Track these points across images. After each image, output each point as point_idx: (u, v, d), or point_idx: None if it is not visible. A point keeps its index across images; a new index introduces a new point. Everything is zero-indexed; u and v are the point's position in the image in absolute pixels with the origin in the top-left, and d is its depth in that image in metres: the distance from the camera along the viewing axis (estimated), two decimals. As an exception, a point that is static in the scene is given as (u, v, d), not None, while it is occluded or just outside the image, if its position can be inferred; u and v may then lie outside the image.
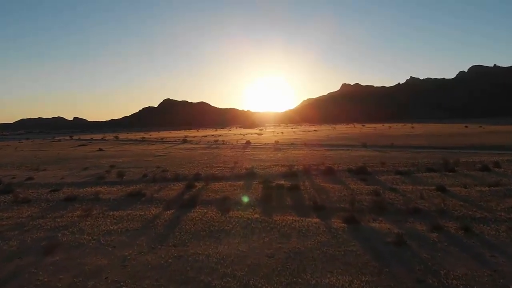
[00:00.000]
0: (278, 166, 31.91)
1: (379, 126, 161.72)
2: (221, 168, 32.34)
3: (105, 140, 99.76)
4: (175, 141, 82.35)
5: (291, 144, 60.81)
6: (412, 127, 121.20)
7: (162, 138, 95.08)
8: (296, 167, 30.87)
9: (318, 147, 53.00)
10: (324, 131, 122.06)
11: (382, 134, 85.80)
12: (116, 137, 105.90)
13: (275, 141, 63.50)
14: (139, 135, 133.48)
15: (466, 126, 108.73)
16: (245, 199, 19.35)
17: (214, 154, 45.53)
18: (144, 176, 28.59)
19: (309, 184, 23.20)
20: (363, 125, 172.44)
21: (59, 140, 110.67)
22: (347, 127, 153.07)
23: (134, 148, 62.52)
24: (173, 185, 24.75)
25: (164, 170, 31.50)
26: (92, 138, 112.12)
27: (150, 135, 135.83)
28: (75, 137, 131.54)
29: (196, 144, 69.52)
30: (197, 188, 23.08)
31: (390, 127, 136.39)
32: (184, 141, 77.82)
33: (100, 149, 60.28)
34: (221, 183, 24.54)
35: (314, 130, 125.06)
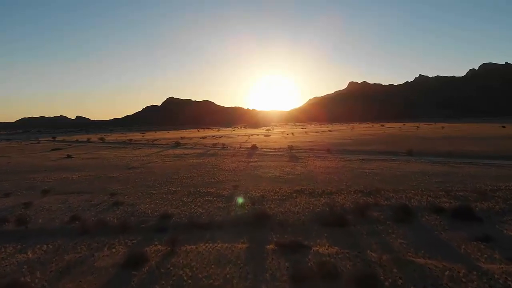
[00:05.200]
0: (305, 195, 19.40)
1: (400, 125, 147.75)
2: (211, 197, 19.94)
3: (89, 142, 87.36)
4: (167, 144, 69.80)
5: (309, 149, 48.08)
6: (442, 127, 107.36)
7: (154, 141, 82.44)
8: (336, 198, 18.39)
9: (347, 154, 40.32)
10: (340, 131, 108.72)
11: (415, 136, 72.45)
12: (102, 138, 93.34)
13: (288, 145, 50.83)
14: (132, 136, 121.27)
15: (503, 127, 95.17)
16: None
17: (208, 167, 33.13)
18: (72, 221, 16.20)
19: (389, 259, 10.64)
20: (382, 125, 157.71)
21: (38, 142, 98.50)
22: (365, 127, 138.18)
23: (111, 155, 50.20)
24: (107, 249, 12.51)
25: (116, 202, 19.07)
26: (77, 140, 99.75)
27: (143, 136, 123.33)
28: (60, 138, 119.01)
29: (190, 149, 56.94)
30: (146, 268, 10.67)
31: (418, 127, 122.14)
32: (177, 144, 65.21)
33: (68, 156, 48.09)
34: (201, 247, 12.16)
35: (329, 131, 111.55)
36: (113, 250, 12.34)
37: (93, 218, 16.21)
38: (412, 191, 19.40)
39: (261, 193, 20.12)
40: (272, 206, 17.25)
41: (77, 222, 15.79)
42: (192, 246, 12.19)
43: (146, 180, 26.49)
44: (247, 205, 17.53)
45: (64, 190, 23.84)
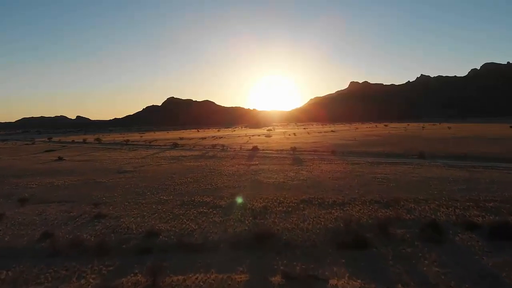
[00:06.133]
0: (314, 206, 17.05)
1: (404, 125, 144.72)
2: (206, 207, 17.60)
3: (85, 143, 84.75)
4: (165, 145, 67.36)
5: (313, 151, 45.69)
6: (449, 128, 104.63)
7: (151, 141, 79.88)
8: (350, 210, 16.02)
9: (353, 156, 37.96)
10: (343, 132, 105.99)
11: (422, 137, 69.96)
12: (98, 139, 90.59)
13: (290, 147, 48.32)
14: (131, 136, 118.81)
15: (511, 127, 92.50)
16: None
17: (206, 171, 30.79)
18: (43, 238, 13.87)
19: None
20: (385, 125, 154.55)
21: (33, 143, 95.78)
22: (369, 127, 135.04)
23: (105, 157, 47.87)
24: (75, 280, 10.38)
25: (98, 215, 16.72)
26: (73, 140, 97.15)
27: (142, 136, 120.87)
28: (56, 138, 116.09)
29: (189, 150, 54.55)
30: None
31: (423, 127, 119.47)
32: (175, 145, 62.80)
33: (59, 158, 45.79)
34: (190, 279, 9.92)
35: (332, 131, 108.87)
36: (82, 281, 10.02)
37: (67, 235, 13.88)
38: (436, 202, 17.03)
39: (264, 203, 17.79)
40: (276, 220, 14.92)
41: (48, 240, 13.45)
42: (179, 277, 9.87)
43: (137, 187, 24.17)
44: (247, 220, 15.18)
45: (45, 198, 21.51)
